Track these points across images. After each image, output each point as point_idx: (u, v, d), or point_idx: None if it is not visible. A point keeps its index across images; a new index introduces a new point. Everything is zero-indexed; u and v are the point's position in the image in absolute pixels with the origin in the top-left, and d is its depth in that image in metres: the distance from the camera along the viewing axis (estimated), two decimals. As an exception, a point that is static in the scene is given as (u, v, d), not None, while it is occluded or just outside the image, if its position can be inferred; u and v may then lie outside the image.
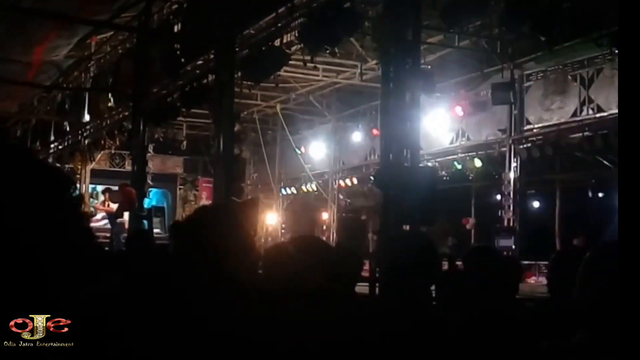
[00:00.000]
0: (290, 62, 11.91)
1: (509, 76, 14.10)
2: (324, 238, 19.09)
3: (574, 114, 13.35)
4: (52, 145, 21.73)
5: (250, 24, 11.78)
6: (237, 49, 12.09)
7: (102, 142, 18.12)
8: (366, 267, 10.17)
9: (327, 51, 10.49)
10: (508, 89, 13.82)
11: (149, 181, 16.05)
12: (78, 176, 19.57)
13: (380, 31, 8.57)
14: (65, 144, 20.62)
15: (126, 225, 15.76)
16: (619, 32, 2.16)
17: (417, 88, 8.49)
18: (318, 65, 14.59)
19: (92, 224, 17.21)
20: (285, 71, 13.29)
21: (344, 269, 4.24)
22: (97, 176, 20.62)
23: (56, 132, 21.24)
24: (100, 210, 19.22)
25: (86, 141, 19.01)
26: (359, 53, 14.09)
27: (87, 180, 19.51)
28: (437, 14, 10.28)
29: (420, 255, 2.96)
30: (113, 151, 20.95)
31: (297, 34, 10.66)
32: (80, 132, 19.31)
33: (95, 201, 20.23)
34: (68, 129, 20.23)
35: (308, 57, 10.92)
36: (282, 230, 21.57)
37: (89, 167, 19.45)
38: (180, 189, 24.48)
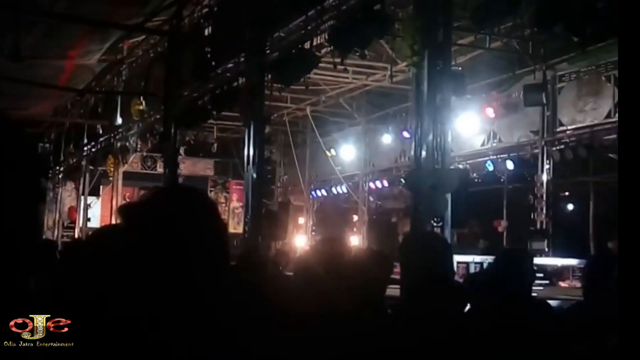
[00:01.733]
0: (320, 64, 11.90)
1: (541, 77, 13.95)
2: (355, 240, 19.07)
3: (608, 115, 13.15)
4: (85, 148, 22.00)
5: (280, 27, 11.80)
6: (267, 52, 12.13)
7: (135, 144, 18.29)
8: (397, 269, 10.16)
9: (357, 53, 10.48)
10: (540, 90, 13.68)
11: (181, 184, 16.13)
12: (111, 178, 19.79)
13: (411, 33, 8.52)
14: (98, 146, 20.86)
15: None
16: (618, 34, 2.12)
17: (448, 90, 8.43)
18: (348, 68, 14.60)
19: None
20: (315, 73, 13.29)
21: (375, 271, 4.23)
22: (129, 178, 20.83)
23: (89, 135, 21.50)
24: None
25: (118, 144, 19.21)
26: (389, 55, 14.04)
27: (120, 182, 19.70)
28: (467, 15, 10.21)
29: (438, 257, 2.94)
30: (145, 154, 21.15)
31: (327, 37, 10.66)
32: (112, 134, 19.52)
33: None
34: (101, 131, 20.46)
35: (338, 60, 10.90)
36: (312, 233, 21.59)
37: (122, 169, 19.64)
38: (211, 191, 24.62)
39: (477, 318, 3.15)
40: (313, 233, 21.50)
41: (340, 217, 21.60)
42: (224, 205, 24.23)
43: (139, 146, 18.26)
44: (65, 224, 23.93)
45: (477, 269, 9.01)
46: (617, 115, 13.00)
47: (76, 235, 21.58)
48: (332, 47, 10.50)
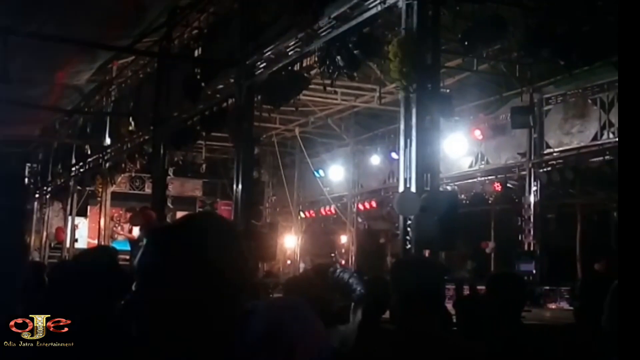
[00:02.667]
0: (309, 86, 11.97)
1: (528, 100, 14.09)
2: (342, 261, 19.06)
3: (595, 138, 13.29)
4: (73, 169, 21.93)
5: (270, 49, 11.86)
6: (256, 73, 12.19)
7: (123, 165, 18.25)
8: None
9: (346, 75, 10.54)
10: (527, 113, 13.79)
11: (169, 204, 16.13)
12: (99, 199, 19.72)
13: (400, 55, 8.59)
14: (87, 167, 20.80)
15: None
16: (618, 46, 2.17)
17: (436, 112, 8.49)
18: (337, 89, 14.66)
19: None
20: (304, 95, 13.36)
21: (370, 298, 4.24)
22: (118, 199, 20.76)
23: (77, 155, 21.44)
24: (121, 236, 19.35)
25: (107, 164, 19.16)
26: (377, 77, 14.13)
27: (108, 202, 19.62)
28: (456, 38, 10.32)
29: (429, 282, 2.95)
30: (134, 174, 21.10)
31: (316, 59, 10.73)
32: (101, 155, 19.48)
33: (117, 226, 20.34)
34: (89, 152, 20.42)
35: (327, 81, 10.97)
36: (301, 254, 21.57)
37: (110, 189, 19.57)
38: (199, 211, 24.57)
39: (468, 343, 3.17)
40: (300, 254, 21.47)
41: (328, 238, 21.59)
42: (212, 225, 24.11)
43: (127, 167, 18.22)
44: (52, 245, 23.77)
45: (467, 292, 9.02)
46: (602, 137, 13.14)
47: (63, 256, 21.44)
48: (321, 69, 10.55)
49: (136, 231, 17.33)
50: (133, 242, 17.63)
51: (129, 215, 18.09)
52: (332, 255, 21.16)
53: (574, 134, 13.76)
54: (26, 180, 26.41)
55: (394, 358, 2.90)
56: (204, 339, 1.61)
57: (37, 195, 25.84)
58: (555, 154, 14.14)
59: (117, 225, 20.40)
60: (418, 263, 3.29)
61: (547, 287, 13.29)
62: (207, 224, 1.76)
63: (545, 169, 14.20)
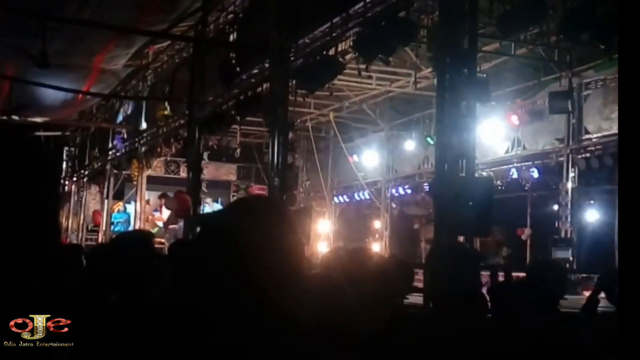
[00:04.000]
0: (344, 70, 11.92)
1: (567, 85, 13.84)
2: (377, 246, 19.03)
3: (635, 123, 13.02)
4: (110, 152, 22.19)
5: (305, 33, 11.82)
6: (292, 58, 12.17)
7: (159, 149, 18.40)
8: (419, 276, 10.11)
9: (381, 60, 10.47)
10: (566, 98, 13.56)
11: (204, 188, 16.23)
12: (135, 182, 19.94)
13: (436, 40, 8.51)
14: (123, 150, 21.03)
15: (181, 232, 15.99)
16: (619, 37, 2.12)
17: (472, 97, 8.39)
18: (372, 74, 14.58)
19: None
20: (339, 80, 13.30)
21: (396, 278, 4.22)
22: (153, 182, 20.97)
23: (114, 139, 21.69)
24: (153, 220, 19.63)
25: (143, 148, 19.35)
26: (413, 61, 14.01)
27: (144, 186, 19.83)
28: (493, 22, 10.17)
29: (464, 269, 2.93)
30: (169, 158, 21.28)
31: (351, 43, 10.66)
32: (137, 139, 19.68)
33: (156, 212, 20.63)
34: (125, 136, 20.63)
35: (362, 66, 10.91)
36: (334, 238, 21.59)
37: (145, 173, 19.77)
38: (233, 196, 24.72)
39: (506, 330, 3.13)
40: (334, 239, 21.50)
41: (362, 224, 21.57)
42: (246, 210, 24.26)
43: (163, 151, 18.38)
44: (89, 228, 24.14)
45: (503, 278, 8.92)
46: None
47: (100, 238, 21.75)
48: (356, 54, 10.49)
49: (166, 215, 17.54)
50: (165, 225, 17.85)
51: (163, 200, 18.31)
52: (366, 240, 21.15)
53: (614, 119, 13.48)
54: (64, 163, 26.84)
55: (429, 344, 2.89)
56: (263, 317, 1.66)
57: (74, 179, 26.22)
58: (594, 140, 13.90)
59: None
60: (452, 250, 3.27)
61: (584, 275, 13.09)
62: (255, 210, 1.83)
63: (583, 155, 13.98)
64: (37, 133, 23.20)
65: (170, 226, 17.32)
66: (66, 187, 26.37)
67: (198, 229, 1.84)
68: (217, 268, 1.71)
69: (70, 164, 26.86)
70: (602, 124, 13.76)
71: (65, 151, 27.06)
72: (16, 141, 1.46)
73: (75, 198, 25.62)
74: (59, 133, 25.53)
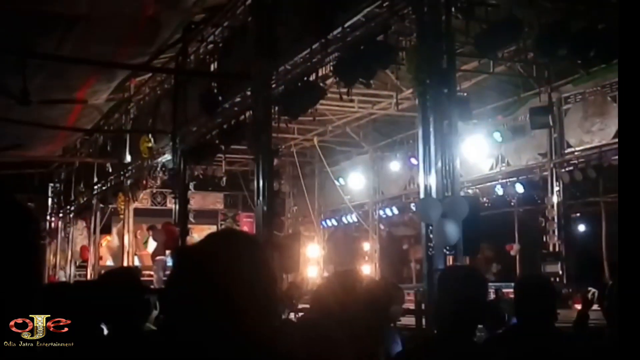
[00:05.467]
0: (326, 95, 11.98)
1: (547, 100, 13.98)
2: (367, 268, 19.01)
3: (616, 135, 13.14)
4: (95, 187, 22.10)
5: (285, 60, 11.89)
6: (273, 85, 12.22)
7: (144, 181, 18.37)
8: (410, 297, 10.09)
9: (362, 83, 10.54)
10: (546, 113, 13.68)
11: (191, 219, 16.20)
12: (122, 216, 19.85)
13: (415, 61, 8.59)
14: (108, 184, 20.96)
15: (169, 264, 15.92)
16: (619, 41, 2.16)
17: (454, 116, 8.46)
18: (354, 97, 14.65)
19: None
20: (322, 104, 13.36)
21: (388, 302, 4.24)
22: (140, 215, 20.89)
23: (99, 173, 21.62)
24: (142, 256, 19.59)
25: (128, 181, 19.30)
26: (394, 83, 14.10)
27: (131, 219, 19.76)
28: (470, 40, 10.27)
29: (474, 292, 2.95)
30: (155, 190, 21.23)
31: (331, 68, 10.74)
32: (122, 172, 19.63)
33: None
34: (110, 170, 20.58)
35: (344, 90, 10.98)
36: (324, 263, 21.56)
37: (132, 206, 19.70)
38: (221, 224, 24.67)
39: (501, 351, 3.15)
40: (324, 264, 21.46)
41: (351, 246, 21.56)
42: (234, 238, 24.19)
43: (148, 183, 18.34)
44: (77, 263, 23.97)
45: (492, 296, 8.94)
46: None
47: (89, 274, 21.60)
48: (337, 79, 10.56)
49: (151, 247, 17.49)
50: (152, 257, 17.77)
51: (151, 232, 18.26)
52: (356, 262, 21.13)
53: (595, 132, 13.62)
54: (49, 200, 26.67)
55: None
56: (238, 351, 1.63)
57: (60, 215, 26.07)
58: (576, 153, 14.01)
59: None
60: (463, 273, 3.31)
61: (574, 289, 13.12)
62: (230, 240, 1.80)
63: (567, 169, 14.08)
64: (21, 170, 23.12)
65: (158, 257, 17.25)
66: (52, 224, 26.20)
67: (173, 260, 1.84)
68: (189, 297, 1.69)
69: (55, 200, 26.71)
70: (583, 137, 13.89)
71: (50, 187, 26.92)
72: None
73: (62, 234, 25.45)
74: (43, 170, 25.42)
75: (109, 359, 2.89)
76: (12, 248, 1.42)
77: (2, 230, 1.42)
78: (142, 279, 3.78)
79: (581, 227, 15.67)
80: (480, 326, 3.51)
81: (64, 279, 21.28)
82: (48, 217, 26.28)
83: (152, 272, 17.14)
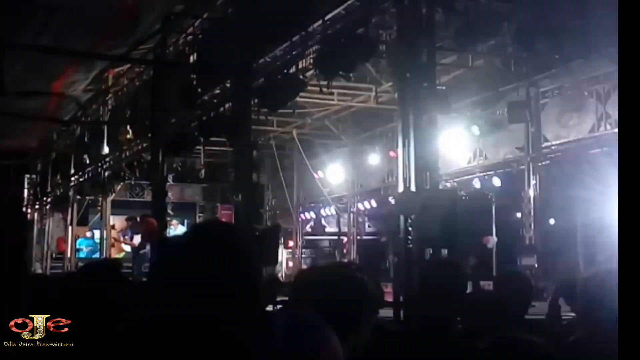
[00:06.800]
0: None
1: (525, 94, 14.09)
2: (345, 261, 19.06)
3: (592, 130, 13.30)
4: (72, 178, 21.92)
5: (265, 53, 11.87)
6: (252, 78, 12.20)
7: (122, 173, 18.25)
8: (387, 289, 10.15)
9: (342, 76, 10.56)
10: (524, 107, 13.80)
11: (169, 211, 16.14)
12: (99, 207, 19.73)
13: (395, 55, 8.63)
14: (86, 176, 20.80)
15: (148, 256, 15.85)
16: (618, 39, 2.18)
17: (433, 109, 8.51)
18: (333, 90, 14.66)
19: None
20: (301, 97, 13.36)
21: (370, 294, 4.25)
22: (118, 207, 20.78)
23: (76, 165, 21.43)
24: (124, 243, 19.42)
25: (106, 173, 19.17)
26: (373, 76, 14.14)
27: (108, 211, 19.64)
28: (450, 35, 10.33)
29: (454, 284, 2.99)
30: (133, 182, 21.11)
31: (312, 61, 10.74)
32: (100, 164, 19.49)
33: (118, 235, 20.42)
34: (88, 161, 20.41)
35: (324, 82, 10.99)
36: (303, 255, 21.60)
37: (110, 198, 19.58)
38: (199, 217, 24.60)
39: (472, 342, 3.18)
40: (303, 256, 21.50)
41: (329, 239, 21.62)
42: (213, 230, 24.15)
43: (126, 175, 18.22)
44: (54, 255, 23.77)
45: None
46: (600, 129, 13.15)
47: (65, 266, 21.44)
48: (317, 71, 10.57)
49: (137, 239, 17.37)
50: (135, 250, 17.66)
51: (129, 223, 18.15)
52: (334, 254, 21.21)
53: (572, 126, 13.76)
54: (25, 191, 26.42)
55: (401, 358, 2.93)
56: (222, 348, 1.63)
57: (37, 206, 25.83)
58: (553, 148, 14.15)
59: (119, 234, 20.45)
60: (446, 266, 3.35)
61: (549, 281, 13.27)
62: (216, 231, 1.81)
63: (543, 163, 14.22)
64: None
65: (141, 251, 17.19)
66: (28, 216, 25.95)
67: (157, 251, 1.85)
68: (175, 289, 1.68)
69: (32, 191, 26.45)
70: (560, 131, 14.02)
71: (26, 178, 26.64)
72: None
73: (39, 226, 25.22)
74: (19, 161, 25.16)
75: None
76: (6, 243, 1.43)
77: None
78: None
79: (557, 221, 15.83)
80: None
81: (39, 271, 21.09)
82: (24, 209, 26.01)
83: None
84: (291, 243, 21.63)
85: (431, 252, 7.85)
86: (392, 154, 16.43)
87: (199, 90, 13.61)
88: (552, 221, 15.73)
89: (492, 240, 16.38)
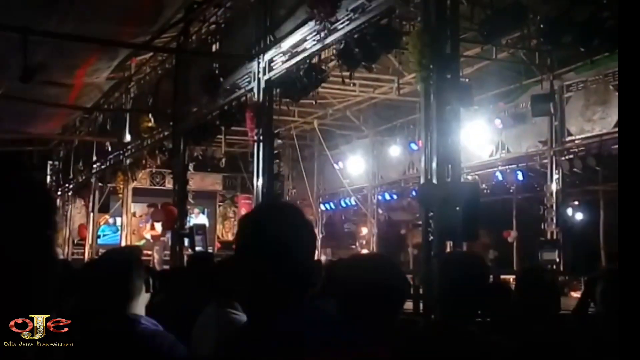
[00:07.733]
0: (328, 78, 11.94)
1: (549, 87, 13.95)
2: (365, 253, 19.04)
3: (617, 125, 13.13)
4: (94, 166, 22.08)
5: (287, 43, 11.83)
6: (274, 68, 12.17)
7: (144, 161, 18.34)
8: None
9: (365, 67, 10.51)
10: (548, 100, 13.66)
11: (190, 199, 16.20)
12: (120, 195, 19.85)
13: (419, 46, 8.55)
14: (107, 163, 20.94)
15: (169, 244, 15.95)
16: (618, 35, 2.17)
17: (456, 101, 8.43)
18: (355, 81, 14.63)
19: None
20: (323, 87, 13.32)
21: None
22: (139, 194, 20.90)
23: (98, 152, 21.59)
24: (140, 232, 19.53)
25: (127, 161, 19.27)
26: (396, 68, 14.07)
27: (129, 198, 19.76)
28: (474, 26, 10.24)
29: (477, 280, 2.96)
30: (154, 170, 21.21)
31: (334, 51, 10.69)
32: (121, 152, 19.60)
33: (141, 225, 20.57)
34: (110, 149, 20.55)
35: (346, 74, 10.94)
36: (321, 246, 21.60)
37: (131, 186, 19.69)
38: (219, 205, 24.70)
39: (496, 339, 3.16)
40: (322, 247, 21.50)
41: (349, 230, 21.60)
42: (232, 219, 24.26)
43: (147, 163, 18.32)
44: (75, 242, 23.99)
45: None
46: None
47: (86, 253, 21.64)
48: (339, 62, 10.52)
49: (159, 227, 17.49)
50: (156, 239, 17.78)
51: (150, 211, 18.25)
52: (353, 246, 21.18)
53: (596, 120, 13.61)
54: (48, 178, 26.67)
55: (427, 353, 2.91)
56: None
57: (59, 193, 26.07)
58: (577, 142, 14.01)
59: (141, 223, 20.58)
60: (465, 259, 3.32)
61: (570, 277, 13.18)
62: (286, 211, 1.98)
63: (567, 157, 14.09)
64: (20, 148, 23.09)
65: (161, 238, 17.29)
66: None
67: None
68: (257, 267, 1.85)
69: (54, 178, 26.70)
70: (584, 125, 13.88)
71: (49, 165, 26.88)
72: (19, 181, 1.51)
73: (60, 212, 25.45)
74: (42, 147, 25.39)
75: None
76: (35, 224, 1.44)
77: (25, 206, 1.44)
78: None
79: (579, 216, 15.70)
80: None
81: (61, 257, 21.29)
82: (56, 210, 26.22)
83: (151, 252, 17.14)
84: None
85: (452, 244, 7.79)
86: (413, 146, 16.37)
87: (221, 79, 13.61)
88: (579, 216, 15.62)
89: (513, 234, 16.29)
